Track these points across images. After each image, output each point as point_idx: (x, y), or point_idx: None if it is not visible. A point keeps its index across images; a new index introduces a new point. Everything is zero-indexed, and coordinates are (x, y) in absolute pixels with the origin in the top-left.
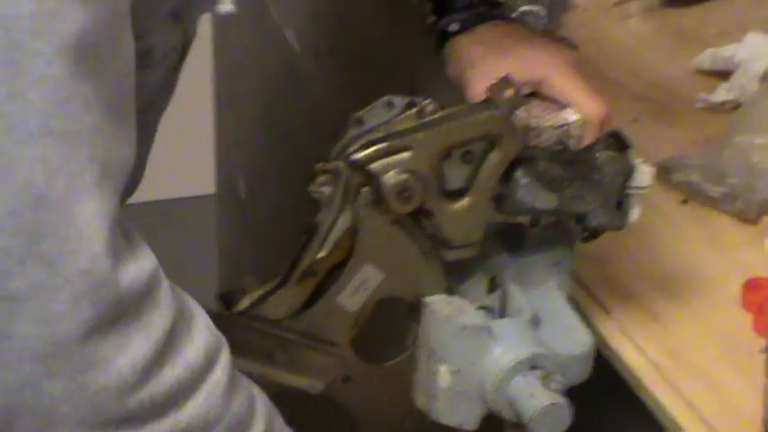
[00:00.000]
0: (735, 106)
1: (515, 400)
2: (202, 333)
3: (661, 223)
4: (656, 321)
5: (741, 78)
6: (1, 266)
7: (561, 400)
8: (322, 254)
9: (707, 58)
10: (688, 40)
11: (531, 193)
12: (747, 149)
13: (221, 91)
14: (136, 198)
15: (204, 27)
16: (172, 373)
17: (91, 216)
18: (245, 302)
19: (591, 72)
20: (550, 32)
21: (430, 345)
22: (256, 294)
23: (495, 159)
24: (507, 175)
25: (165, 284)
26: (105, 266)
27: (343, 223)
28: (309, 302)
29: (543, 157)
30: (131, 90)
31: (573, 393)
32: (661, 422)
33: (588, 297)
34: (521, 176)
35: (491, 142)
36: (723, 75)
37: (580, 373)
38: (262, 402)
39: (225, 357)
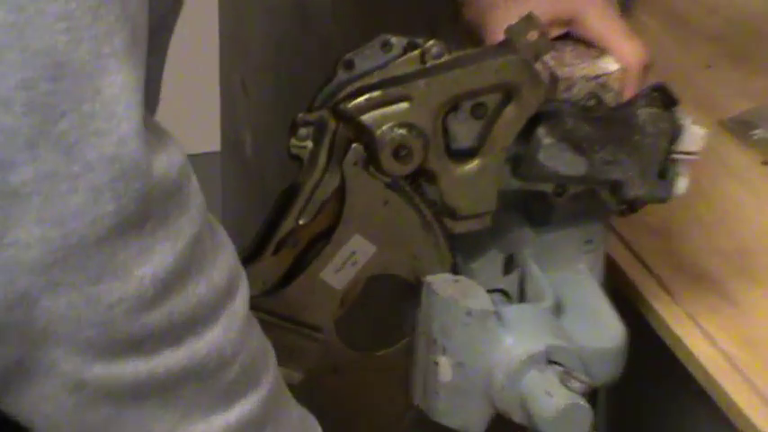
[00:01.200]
0: None
1: (528, 400)
2: (227, 252)
3: (737, 188)
4: (729, 305)
5: None
6: (2, 155)
7: (582, 401)
8: (303, 220)
9: None
10: None
11: (554, 156)
12: None
13: (226, 34)
14: None
15: None
16: (194, 291)
17: (121, 89)
18: None
19: (657, 7)
20: None
21: (430, 332)
22: None
23: (511, 114)
24: (527, 134)
25: (195, 183)
26: (137, 152)
27: (328, 185)
28: (288, 278)
29: (571, 113)
30: None
31: (634, 387)
32: (734, 422)
33: (648, 276)
34: (543, 135)
35: (508, 93)
36: None
37: (609, 372)
38: (271, 348)
39: (245, 286)
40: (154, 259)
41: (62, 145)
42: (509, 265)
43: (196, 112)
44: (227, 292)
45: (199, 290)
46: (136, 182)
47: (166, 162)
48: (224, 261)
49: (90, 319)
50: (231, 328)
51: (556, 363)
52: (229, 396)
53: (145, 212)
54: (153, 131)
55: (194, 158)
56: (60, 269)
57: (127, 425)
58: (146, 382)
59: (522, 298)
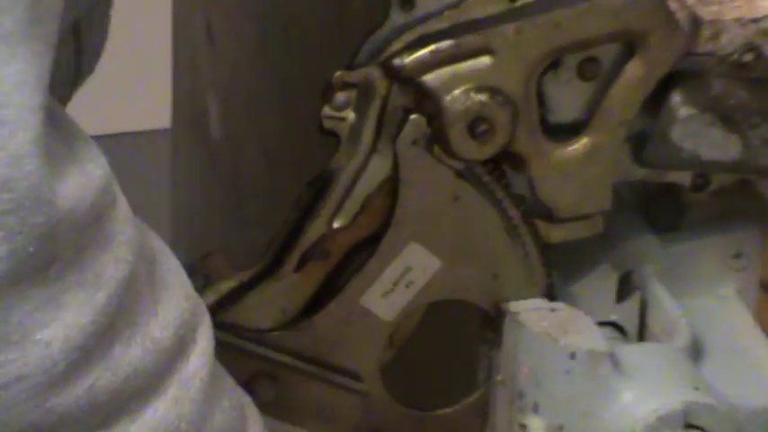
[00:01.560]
0: None
1: None
2: (174, 295)
3: None
4: None
5: None
6: None
7: None
8: (339, 223)
9: None
10: None
11: (695, 134)
12: None
13: None
14: None
15: None
16: (124, 355)
17: (12, 86)
18: (207, 299)
19: None
20: None
21: (515, 383)
22: (226, 287)
23: (635, 73)
24: (656, 102)
25: (123, 207)
26: (35, 173)
27: (375, 172)
28: (316, 304)
29: (719, 72)
30: None
31: None
32: None
33: None
34: (679, 104)
35: (630, 44)
36: None
37: None
38: (254, 417)
39: (205, 338)
40: (63, 317)
41: None
42: (625, 287)
43: (136, 75)
44: (177, 351)
45: (131, 353)
46: (35, 215)
47: (79, 183)
48: (170, 308)
49: None
50: (185, 400)
51: (697, 428)
52: None
53: (49, 254)
54: (60, 137)
55: (135, 138)
56: None
57: None
58: None
59: (642, 334)
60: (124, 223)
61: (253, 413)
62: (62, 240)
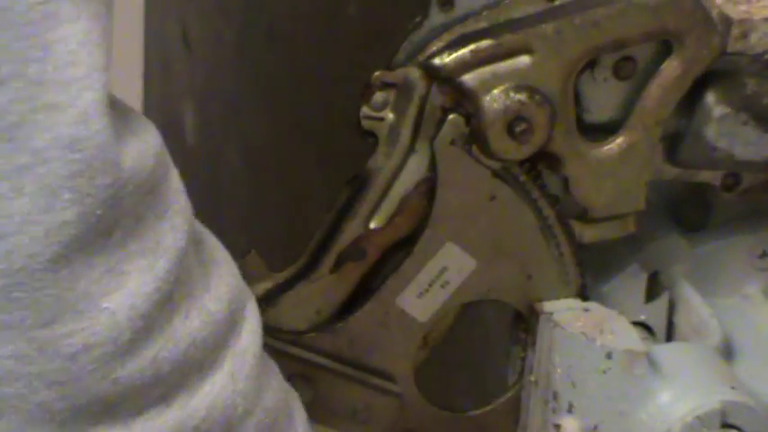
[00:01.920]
0: None
1: None
2: (224, 270)
3: None
4: None
5: None
6: None
7: None
8: (375, 223)
9: None
10: None
11: (730, 133)
12: None
13: None
14: None
15: None
16: (184, 326)
17: (79, 45)
18: None
19: None
20: None
21: (549, 383)
22: (262, 288)
23: (672, 73)
24: (690, 102)
25: (176, 179)
26: (103, 134)
27: (412, 173)
28: (351, 305)
29: (753, 71)
30: None
31: None
32: None
33: None
34: (713, 103)
35: (666, 43)
36: None
37: None
38: (298, 403)
39: (254, 316)
40: (128, 285)
41: (0, 126)
42: (653, 287)
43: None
44: (230, 326)
45: (189, 324)
46: (104, 176)
47: (139, 149)
48: (221, 284)
49: (45, 376)
50: (239, 375)
51: (734, 427)
52: None
53: (113, 219)
54: (115, 105)
55: None
56: None
57: None
58: None
59: (670, 334)
60: (178, 194)
61: (296, 398)
62: (125, 206)
